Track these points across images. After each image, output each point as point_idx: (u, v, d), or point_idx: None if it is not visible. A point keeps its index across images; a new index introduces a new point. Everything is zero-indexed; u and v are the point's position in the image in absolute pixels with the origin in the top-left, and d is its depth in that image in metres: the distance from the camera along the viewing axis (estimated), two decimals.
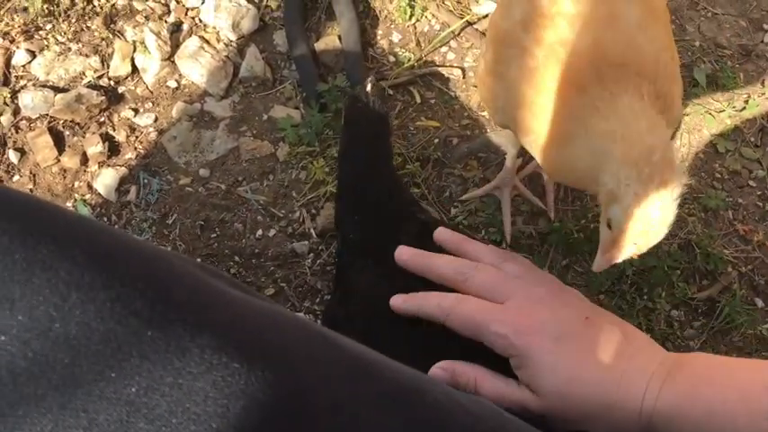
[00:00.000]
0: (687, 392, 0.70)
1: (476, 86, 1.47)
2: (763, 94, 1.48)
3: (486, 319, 0.79)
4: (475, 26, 1.54)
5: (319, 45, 1.51)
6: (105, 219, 1.36)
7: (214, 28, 1.52)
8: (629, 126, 0.72)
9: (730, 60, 1.51)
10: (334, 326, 1.00)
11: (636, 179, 0.69)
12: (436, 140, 1.42)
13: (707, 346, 1.27)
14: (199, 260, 1.32)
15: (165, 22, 1.52)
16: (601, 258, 0.78)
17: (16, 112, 1.43)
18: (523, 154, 1.34)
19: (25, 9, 1.50)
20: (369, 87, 1.22)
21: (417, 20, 1.55)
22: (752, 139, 1.44)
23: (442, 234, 0.96)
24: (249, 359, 0.54)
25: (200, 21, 1.53)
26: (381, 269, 1.01)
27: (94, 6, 1.53)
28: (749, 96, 1.48)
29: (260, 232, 1.35)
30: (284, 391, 0.55)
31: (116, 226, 1.35)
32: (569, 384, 0.73)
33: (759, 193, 1.39)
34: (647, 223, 0.69)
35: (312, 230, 1.35)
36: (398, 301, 0.89)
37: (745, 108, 1.46)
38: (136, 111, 1.46)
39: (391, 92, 1.47)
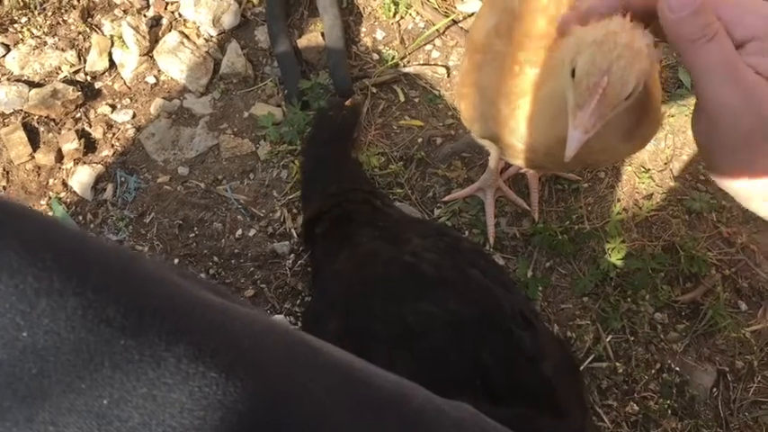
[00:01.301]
0: None
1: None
2: None
3: None
4: (460, 24, 1.53)
5: (302, 42, 1.49)
6: (81, 217, 1.33)
7: (194, 23, 1.49)
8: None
9: None
10: (316, 320, 1.00)
11: (593, 35, 0.63)
12: (420, 140, 1.41)
13: (690, 350, 1.26)
14: (177, 260, 1.30)
15: (144, 16, 1.49)
16: (572, 130, 0.67)
17: None
18: None
19: None
20: (348, 101, 1.30)
21: (401, 17, 1.53)
22: None
23: None
24: (227, 368, 0.51)
25: (180, 15, 1.50)
26: (348, 250, 1.03)
27: None
28: None
29: (240, 232, 1.33)
30: (264, 400, 0.53)
31: (92, 225, 1.32)
32: None
33: None
34: (607, 45, 0.61)
35: (293, 230, 1.33)
36: None
37: None
38: (113, 107, 1.42)
39: (375, 90, 1.45)
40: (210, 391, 0.49)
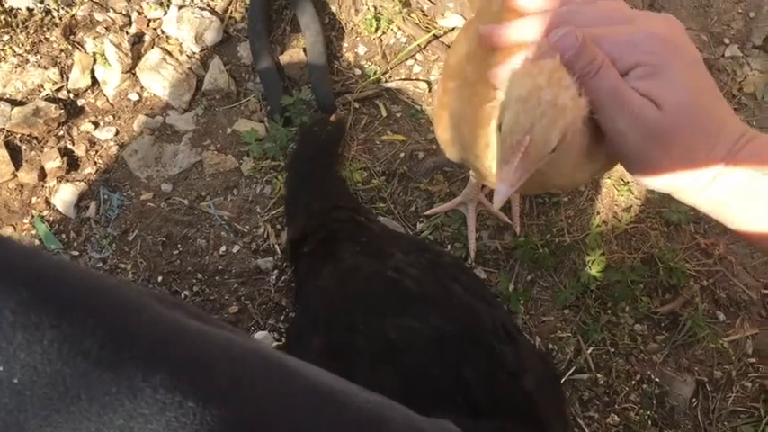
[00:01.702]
0: (764, 151, 0.68)
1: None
2: None
3: (609, 31, 0.70)
4: (441, 39, 1.54)
5: (284, 58, 1.50)
6: (64, 236, 1.33)
7: (177, 39, 1.50)
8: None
9: None
10: (299, 336, 1.01)
11: (518, 91, 0.66)
12: (402, 155, 1.42)
13: (670, 360, 1.28)
14: (160, 278, 1.30)
15: (127, 33, 1.49)
16: (498, 183, 0.68)
17: None
18: None
19: None
20: (332, 117, 1.31)
21: (383, 33, 1.54)
22: None
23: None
24: (205, 397, 0.52)
25: (163, 32, 1.51)
26: (331, 266, 1.04)
27: (53, 17, 1.49)
28: None
29: (223, 248, 1.33)
30: (241, 428, 0.54)
31: (75, 243, 1.32)
32: (695, 108, 0.69)
33: None
34: (531, 102, 0.64)
35: (277, 246, 1.34)
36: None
37: None
38: (96, 124, 1.43)
39: (357, 105, 1.46)
40: (188, 420, 0.50)
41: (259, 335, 1.25)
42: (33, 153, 1.38)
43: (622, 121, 0.68)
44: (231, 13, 1.54)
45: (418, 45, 1.52)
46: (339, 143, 1.39)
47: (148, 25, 1.51)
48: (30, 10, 1.49)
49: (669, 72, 0.68)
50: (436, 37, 1.54)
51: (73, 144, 1.40)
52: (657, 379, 1.26)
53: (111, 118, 1.44)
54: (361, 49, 1.53)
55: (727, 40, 1.58)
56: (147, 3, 1.53)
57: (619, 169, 1.42)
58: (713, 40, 1.58)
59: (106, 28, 1.50)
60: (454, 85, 0.87)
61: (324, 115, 1.41)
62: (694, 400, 1.26)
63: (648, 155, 0.71)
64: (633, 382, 1.26)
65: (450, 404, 0.88)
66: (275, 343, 1.24)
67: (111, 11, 1.52)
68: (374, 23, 1.53)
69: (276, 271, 1.32)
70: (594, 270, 1.31)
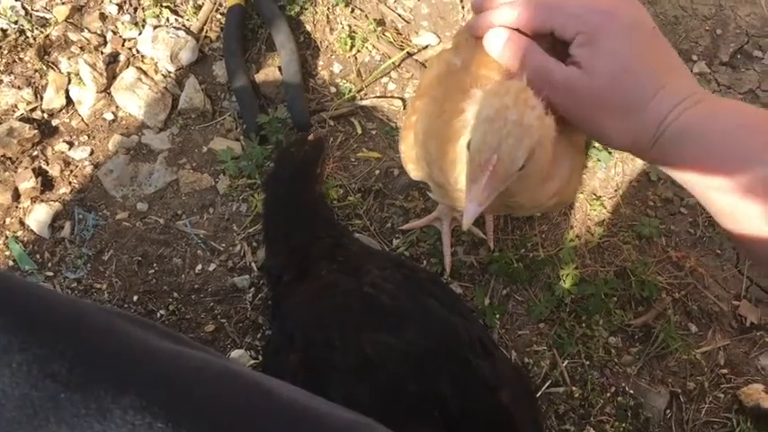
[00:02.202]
0: (708, 114, 0.71)
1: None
2: None
3: (562, 2, 0.76)
4: (415, 57, 1.56)
5: (259, 76, 1.51)
6: (38, 256, 1.32)
7: (152, 59, 1.50)
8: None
9: None
10: (275, 353, 1.01)
11: (487, 111, 0.69)
12: (377, 171, 1.43)
13: (644, 372, 1.29)
14: (136, 297, 1.29)
15: (101, 53, 1.49)
16: (467, 203, 0.70)
17: None
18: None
19: None
20: (310, 136, 1.30)
21: (358, 51, 1.56)
22: None
23: None
24: (175, 418, 0.52)
25: (138, 51, 1.51)
26: (308, 283, 1.05)
27: (27, 37, 1.49)
28: None
29: (200, 267, 1.33)
30: None
31: (49, 264, 1.32)
32: (623, 72, 0.73)
33: (690, 219, 1.43)
34: (498, 122, 0.67)
35: (253, 264, 1.34)
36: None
37: None
38: (70, 144, 1.42)
39: (332, 123, 1.47)
40: None
41: (236, 353, 1.25)
42: (7, 173, 1.38)
43: (554, 93, 0.73)
44: (206, 32, 1.54)
45: (393, 63, 1.54)
46: (317, 163, 1.37)
47: (123, 45, 1.51)
48: (3, 30, 1.49)
49: (602, 40, 0.73)
50: (410, 55, 1.56)
51: (47, 164, 1.40)
52: (632, 391, 1.28)
53: (86, 137, 1.43)
54: (336, 68, 1.54)
55: (695, 57, 1.61)
56: (122, 23, 1.53)
57: (590, 184, 1.44)
58: (682, 57, 1.60)
59: (81, 48, 1.50)
60: (423, 102, 0.89)
61: (301, 134, 1.41)
62: (668, 411, 1.27)
63: (588, 119, 0.75)
64: (608, 395, 1.27)
65: (427, 419, 0.89)
66: (252, 361, 1.24)
67: (85, 31, 1.52)
68: (349, 42, 1.55)
69: (253, 289, 1.32)
70: (568, 284, 1.33)
